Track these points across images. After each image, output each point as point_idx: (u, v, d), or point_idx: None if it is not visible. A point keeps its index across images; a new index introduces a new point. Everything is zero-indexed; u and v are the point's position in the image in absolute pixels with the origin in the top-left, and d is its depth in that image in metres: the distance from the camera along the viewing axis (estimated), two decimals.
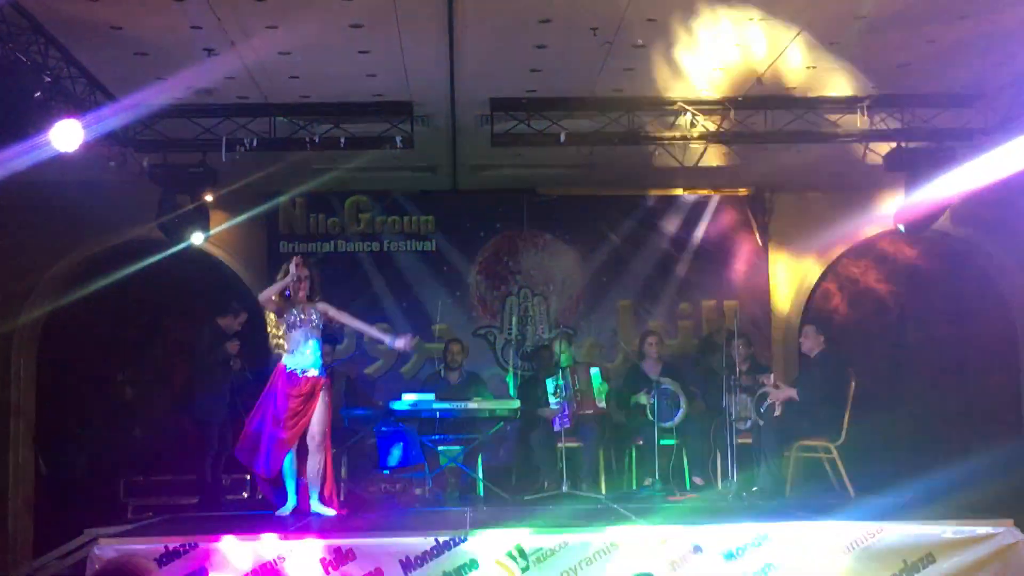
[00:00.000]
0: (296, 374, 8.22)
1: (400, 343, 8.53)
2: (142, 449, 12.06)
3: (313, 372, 8.25)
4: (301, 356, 8.25)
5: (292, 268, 8.28)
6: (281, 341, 8.34)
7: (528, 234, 12.47)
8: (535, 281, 12.47)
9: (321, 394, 8.23)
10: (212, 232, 11.07)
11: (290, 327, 8.27)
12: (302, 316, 8.26)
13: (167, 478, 11.47)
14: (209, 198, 10.41)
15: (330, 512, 8.14)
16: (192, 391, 10.32)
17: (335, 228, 12.35)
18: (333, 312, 8.44)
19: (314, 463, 8.21)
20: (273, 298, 8.31)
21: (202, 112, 9.60)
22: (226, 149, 9.59)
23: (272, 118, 9.72)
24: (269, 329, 8.47)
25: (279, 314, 8.31)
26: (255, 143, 9.65)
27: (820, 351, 9.58)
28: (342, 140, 9.70)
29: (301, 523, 7.70)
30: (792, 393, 9.41)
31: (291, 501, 8.26)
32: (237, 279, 12.30)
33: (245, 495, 11.08)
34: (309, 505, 8.24)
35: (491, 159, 11.07)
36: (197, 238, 10.55)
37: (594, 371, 10.34)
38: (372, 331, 8.87)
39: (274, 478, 8.30)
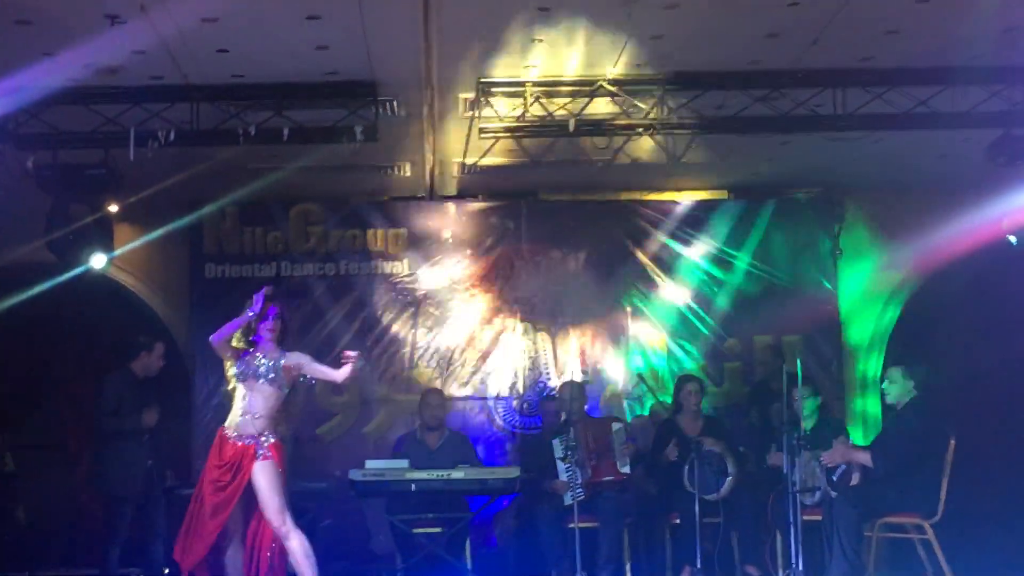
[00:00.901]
0: (228, 436, 8.13)
1: (344, 372, 8.24)
2: (27, 535, 11.99)
3: (246, 435, 8.09)
4: (237, 415, 8.15)
5: (255, 303, 8.16)
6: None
7: (528, 251, 12.50)
8: (538, 312, 12.47)
9: (259, 465, 8.03)
10: (118, 252, 11.05)
11: (238, 377, 8.19)
12: (254, 365, 8.15)
13: (60, 574, 11.41)
14: (113, 208, 10.40)
15: None
16: (99, 459, 10.24)
17: (277, 246, 12.36)
18: (307, 367, 8.27)
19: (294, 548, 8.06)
20: (232, 343, 8.18)
21: (104, 97, 9.58)
22: (135, 144, 9.57)
23: (195, 104, 9.71)
24: (229, 386, 8.36)
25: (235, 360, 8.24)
26: (173, 136, 9.63)
27: (909, 400, 9.54)
28: (285, 132, 9.70)
29: None
30: (863, 456, 9.37)
31: None
32: (151, 313, 12.27)
33: None
34: None
35: (479, 155, 11.08)
36: (98, 260, 10.51)
37: (616, 428, 10.32)
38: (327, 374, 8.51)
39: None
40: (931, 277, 12.44)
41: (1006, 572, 9.60)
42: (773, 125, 10.03)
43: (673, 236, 12.52)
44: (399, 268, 12.40)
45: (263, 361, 8.16)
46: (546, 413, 11.47)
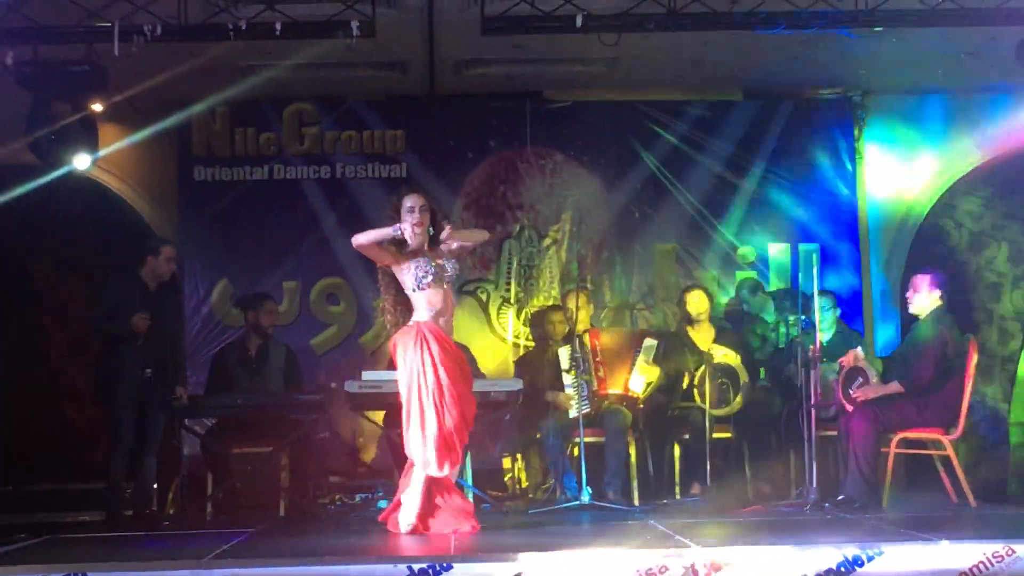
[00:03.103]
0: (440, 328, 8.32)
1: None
2: (10, 449, 12.08)
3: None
4: (429, 319, 8.33)
5: (407, 210, 8.26)
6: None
7: (533, 154, 12.49)
8: (542, 219, 12.50)
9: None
10: (102, 153, 11.03)
11: (421, 285, 8.28)
12: (435, 268, 8.30)
13: (48, 487, 11.48)
14: (98, 107, 10.37)
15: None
16: (101, 365, 10.26)
17: (270, 147, 12.34)
18: (457, 241, 8.45)
19: None
20: (383, 246, 8.28)
21: None
22: (120, 39, 9.53)
23: None
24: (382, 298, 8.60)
25: (392, 267, 8.36)
26: (159, 31, 9.59)
27: (934, 311, 9.58)
28: (278, 26, 9.65)
29: (229, 545, 7.74)
30: (895, 387, 9.43)
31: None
32: (137, 217, 12.28)
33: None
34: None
35: (482, 53, 11.05)
36: (82, 161, 10.50)
37: (648, 344, 10.34)
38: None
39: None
40: (956, 183, 12.43)
41: None
42: (791, 21, 9.97)
43: (684, 139, 12.49)
44: (396, 171, 12.38)
45: (438, 262, 8.33)
46: (550, 323, 11.51)
